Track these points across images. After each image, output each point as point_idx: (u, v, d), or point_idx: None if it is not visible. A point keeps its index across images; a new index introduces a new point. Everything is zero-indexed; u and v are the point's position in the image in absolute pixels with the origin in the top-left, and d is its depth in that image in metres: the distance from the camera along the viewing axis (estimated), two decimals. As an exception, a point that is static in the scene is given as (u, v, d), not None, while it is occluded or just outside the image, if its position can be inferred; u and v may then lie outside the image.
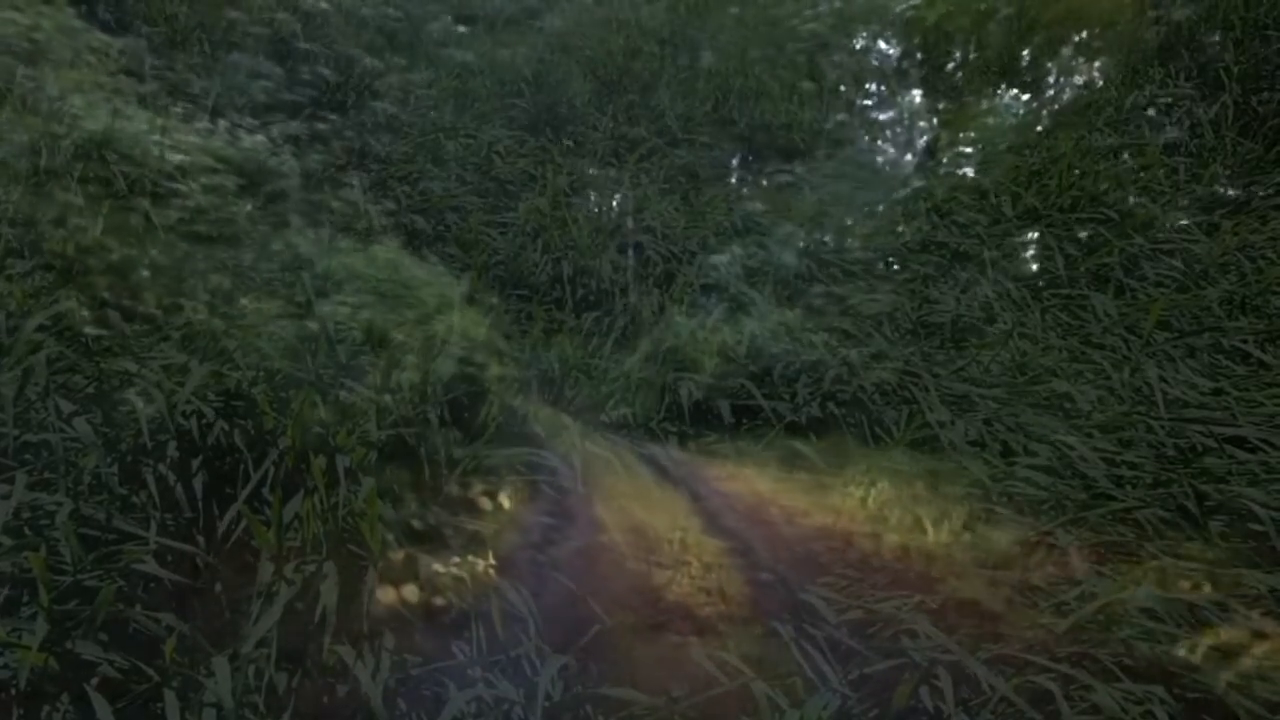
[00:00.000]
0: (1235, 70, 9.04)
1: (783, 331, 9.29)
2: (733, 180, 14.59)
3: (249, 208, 8.21)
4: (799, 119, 14.33)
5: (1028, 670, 3.56)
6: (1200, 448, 5.38)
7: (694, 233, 12.41)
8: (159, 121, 8.25)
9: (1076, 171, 9.19)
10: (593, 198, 13.26)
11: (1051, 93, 12.03)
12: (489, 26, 15.54)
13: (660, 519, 6.27)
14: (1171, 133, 9.23)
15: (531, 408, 8.07)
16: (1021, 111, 12.20)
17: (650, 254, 12.19)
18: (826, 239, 11.50)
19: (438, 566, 4.72)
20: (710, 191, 13.23)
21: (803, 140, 13.97)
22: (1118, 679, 3.46)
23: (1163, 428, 5.68)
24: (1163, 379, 6.25)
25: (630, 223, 12.71)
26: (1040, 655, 3.68)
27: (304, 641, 3.53)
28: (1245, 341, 6.47)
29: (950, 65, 13.60)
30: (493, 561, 4.90)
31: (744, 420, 8.54)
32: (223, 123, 9.32)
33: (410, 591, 4.43)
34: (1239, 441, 5.29)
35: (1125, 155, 9.14)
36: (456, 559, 4.85)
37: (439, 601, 4.47)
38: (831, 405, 8.13)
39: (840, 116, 15.17)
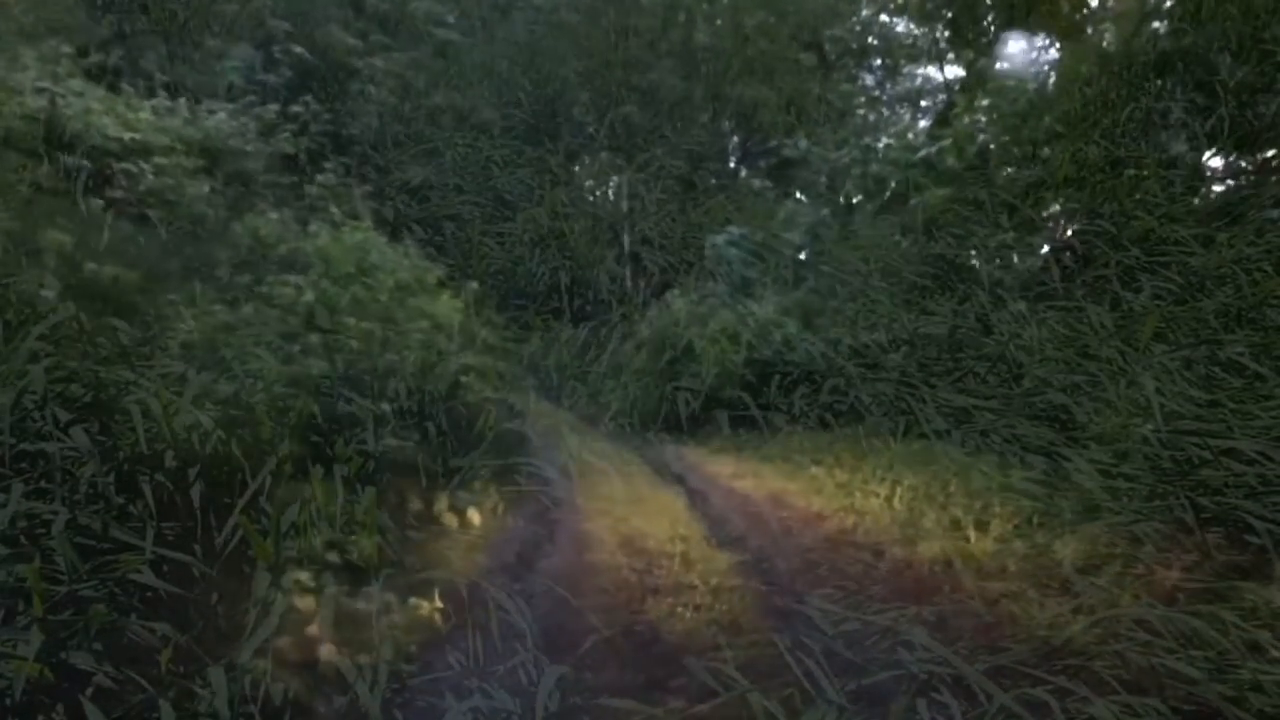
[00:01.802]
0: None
1: (786, 314, 9.10)
2: (730, 163, 14.31)
3: (206, 188, 8.04)
4: (800, 92, 14.03)
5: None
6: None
7: (690, 223, 12.21)
8: (107, 98, 8.09)
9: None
10: (587, 185, 13.09)
11: (1091, 31, 11.19)
12: (475, 3, 15.26)
13: (659, 526, 5.70)
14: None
15: (511, 398, 7.76)
16: (1044, 66, 11.35)
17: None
18: (833, 216, 11.08)
19: (362, 604, 3.89)
20: (708, 170, 12.99)
21: (805, 114, 13.63)
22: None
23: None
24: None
25: (625, 209, 12.55)
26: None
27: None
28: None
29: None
30: (439, 604, 4.14)
31: (741, 431, 8.56)
32: (182, 100, 9.14)
33: (328, 650, 3.61)
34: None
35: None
36: (392, 598, 4.03)
37: (363, 661, 3.57)
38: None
39: (845, 87, 14.87)
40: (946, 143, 10.71)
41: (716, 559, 5.22)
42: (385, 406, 5.50)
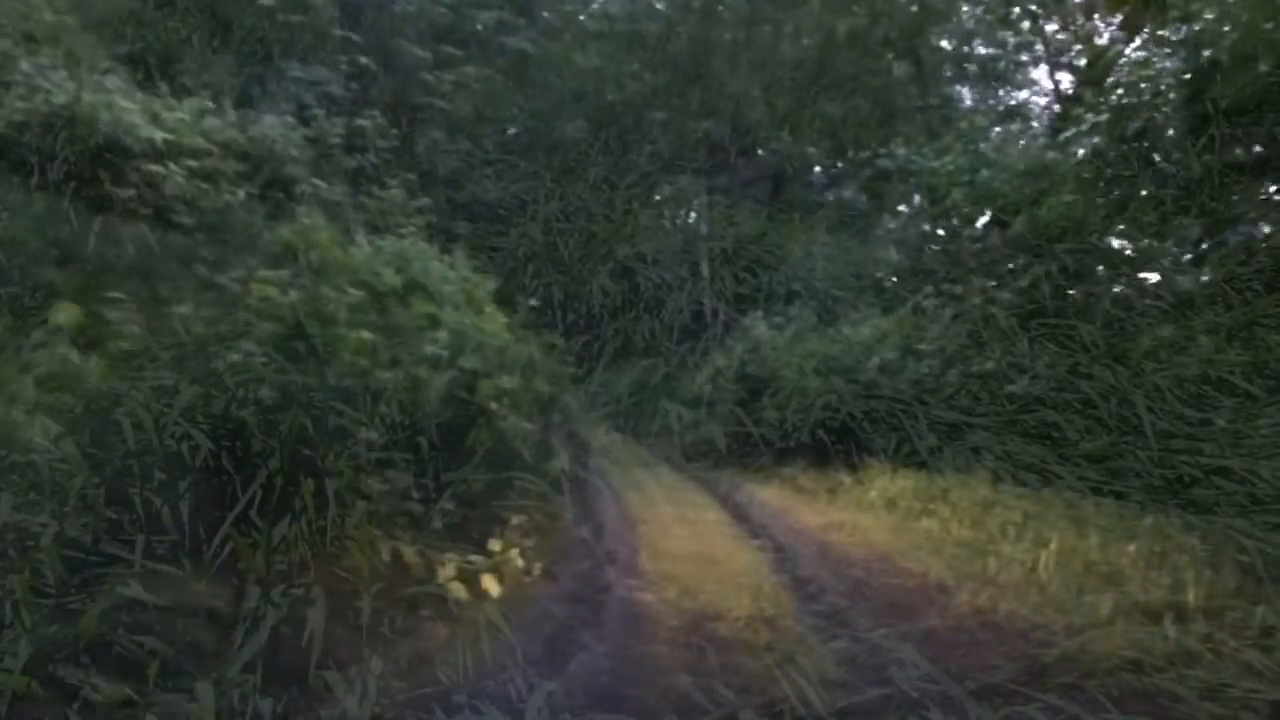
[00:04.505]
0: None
1: (882, 339, 8.35)
2: (816, 179, 13.60)
3: (241, 194, 7.71)
4: (895, 105, 13.30)
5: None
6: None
7: (773, 243, 11.76)
8: (144, 99, 7.85)
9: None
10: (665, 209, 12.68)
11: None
12: (546, 20, 14.72)
13: (737, 599, 4.67)
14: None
15: (568, 427, 7.21)
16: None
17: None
18: (935, 230, 10.05)
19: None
20: (794, 186, 12.52)
21: (902, 124, 12.81)
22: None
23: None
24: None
25: (704, 230, 12.14)
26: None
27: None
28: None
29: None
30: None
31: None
32: (227, 102, 8.89)
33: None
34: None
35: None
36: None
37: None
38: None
39: (947, 90, 14.23)
40: (1102, 117, 9.07)
41: (813, 653, 4.03)
42: (372, 435, 4.80)
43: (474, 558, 4.54)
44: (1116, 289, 7.97)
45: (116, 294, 5.29)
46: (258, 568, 3.84)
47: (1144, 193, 8.44)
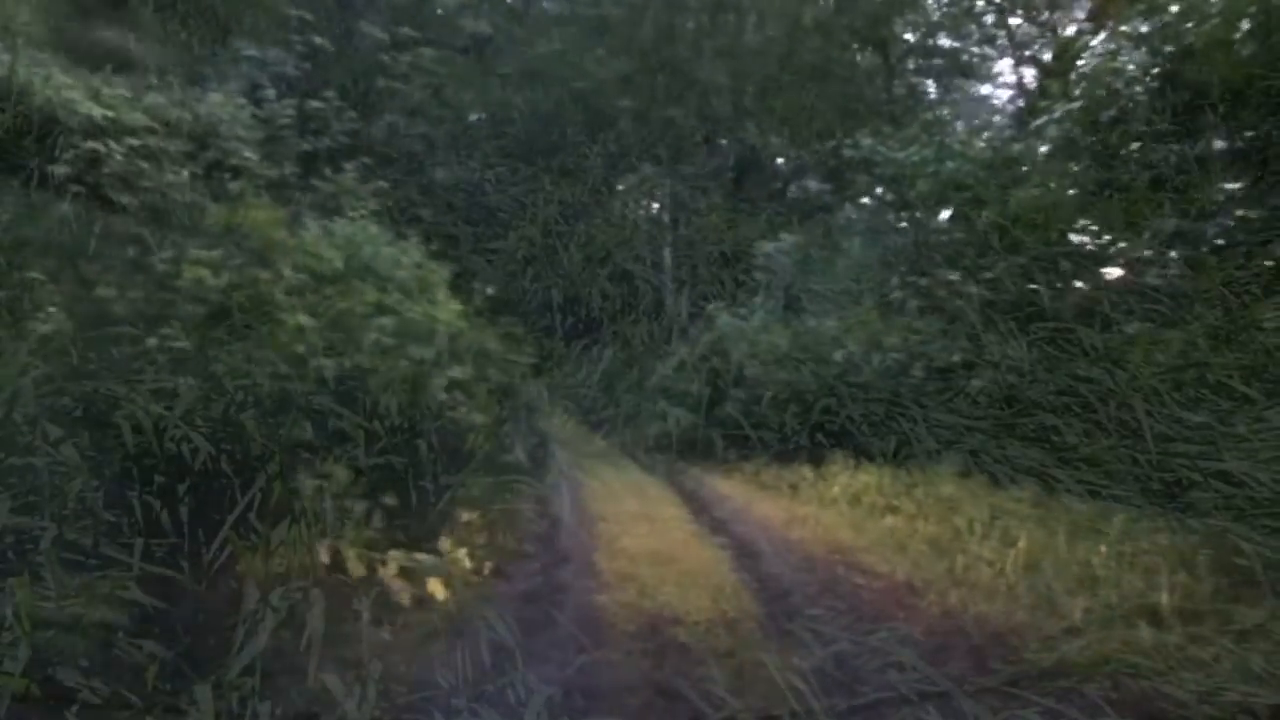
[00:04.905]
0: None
1: (848, 331, 8.31)
2: (782, 168, 13.53)
3: (184, 173, 7.46)
4: (860, 95, 13.30)
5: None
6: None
7: (739, 235, 11.66)
8: (83, 75, 7.58)
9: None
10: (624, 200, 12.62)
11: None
12: (508, 4, 14.61)
13: (696, 600, 4.61)
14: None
15: (525, 419, 7.17)
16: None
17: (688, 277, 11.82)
18: (899, 220, 9.91)
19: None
20: (759, 175, 12.46)
21: (867, 114, 12.71)
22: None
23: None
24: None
25: (667, 220, 12.08)
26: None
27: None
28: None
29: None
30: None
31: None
32: (173, 80, 8.65)
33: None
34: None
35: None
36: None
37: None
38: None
39: (913, 79, 14.23)
40: (1075, 105, 8.84)
41: (790, 669, 3.73)
42: (302, 431, 4.69)
43: (422, 556, 4.46)
44: (1079, 284, 7.99)
45: (35, 274, 5.15)
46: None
47: (1115, 185, 8.42)
